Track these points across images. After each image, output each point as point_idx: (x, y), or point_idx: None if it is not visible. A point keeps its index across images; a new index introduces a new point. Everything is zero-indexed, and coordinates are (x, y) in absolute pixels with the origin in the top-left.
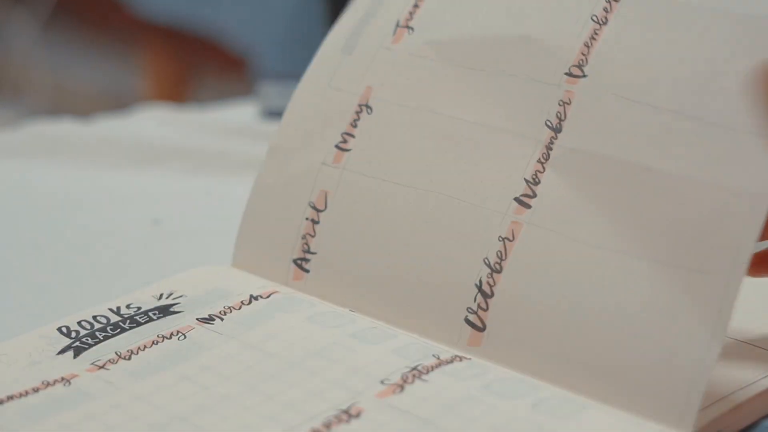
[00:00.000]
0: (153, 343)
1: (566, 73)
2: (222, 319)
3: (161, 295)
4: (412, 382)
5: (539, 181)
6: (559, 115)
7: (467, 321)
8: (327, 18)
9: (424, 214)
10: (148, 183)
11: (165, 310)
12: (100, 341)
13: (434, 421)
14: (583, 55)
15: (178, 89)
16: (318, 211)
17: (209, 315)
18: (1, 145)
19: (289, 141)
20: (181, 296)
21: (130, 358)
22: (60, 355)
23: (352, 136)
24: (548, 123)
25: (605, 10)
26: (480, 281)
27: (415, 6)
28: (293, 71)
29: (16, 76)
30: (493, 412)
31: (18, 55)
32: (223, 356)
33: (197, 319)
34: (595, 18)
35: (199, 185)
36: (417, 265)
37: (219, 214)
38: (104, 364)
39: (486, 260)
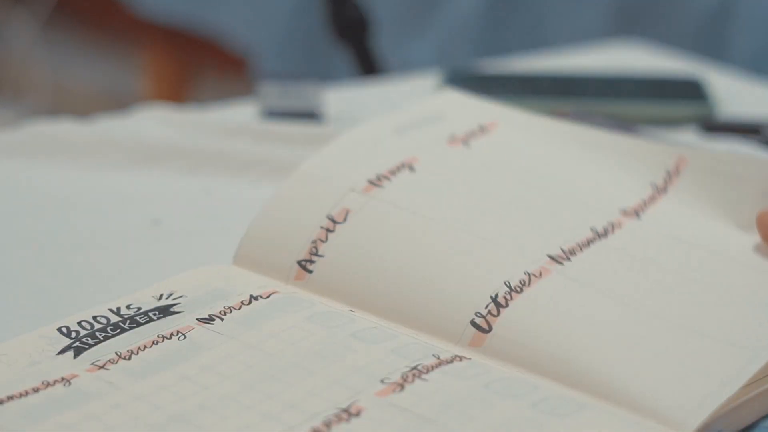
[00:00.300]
0: (153, 343)
1: (621, 210)
2: (222, 319)
3: (161, 296)
4: (412, 381)
5: (575, 253)
6: (606, 227)
7: (473, 323)
8: (326, 18)
9: (448, 241)
10: (148, 183)
11: (165, 311)
12: (100, 341)
13: (434, 419)
14: (640, 206)
15: (178, 89)
16: (335, 222)
17: (209, 315)
18: (1, 145)
19: (320, 170)
20: (181, 296)
21: (130, 358)
22: (60, 355)
23: (389, 179)
24: (593, 228)
25: (665, 181)
26: (496, 294)
27: (481, 130)
28: (293, 71)
29: (16, 76)
30: (493, 411)
31: (18, 55)
32: (223, 356)
33: (197, 319)
34: (654, 185)
35: (199, 185)
36: (430, 273)
37: (219, 214)
38: (104, 364)
39: (507, 282)
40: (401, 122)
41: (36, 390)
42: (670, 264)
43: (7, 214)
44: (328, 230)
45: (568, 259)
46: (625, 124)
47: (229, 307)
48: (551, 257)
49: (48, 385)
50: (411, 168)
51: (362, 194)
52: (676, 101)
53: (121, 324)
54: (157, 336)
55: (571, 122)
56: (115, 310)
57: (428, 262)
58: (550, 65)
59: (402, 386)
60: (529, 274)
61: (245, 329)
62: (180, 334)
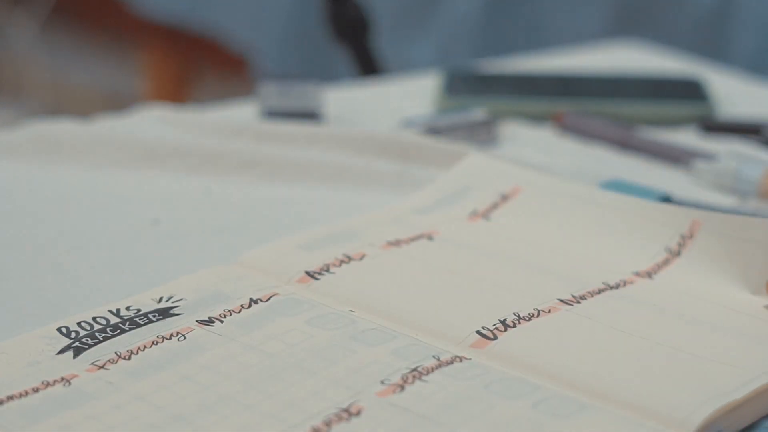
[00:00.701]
0: (153, 343)
1: (634, 272)
2: (222, 322)
3: (161, 299)
4: (412, 382)
5: (585, 299)
6: (617, 283)
7: (478, 332)
8: (326, 18)
9: (461, 281)
10: (148, 183)
11: (165, 313)
12: (100, 342)
13: (434, 418)
14: (653, 269)
15: (178, 89)
16: (351, 258)
17: (209, 318)
18: (1, 145)
19: (344, 228)
20: (180, 299)
21: (129, 358)
22: (60, 355)
23: (407, 244)
24: (605, 282)
25: (679, 245)
26: (505, 318)
27: (503, 199)
28: (293, 71)
29: (16, 76)
30: (494, 411)
31: (18, 55)
32: (223, 356)
33: (197, 321)
34: (668, 249)
35: (199, 185)
36: (441, 296)
37: (219, 214)
38: (104, 364)
39: (516, 313)
40: (425, 202)
41: (36, 390)
42: (678, 309)
43: (7, 214)
44: (343, 261)
45: (578, 302)
46: (625, 124)
47: (229, 310)
48: (561, 300)
49: (48, 385)
50: (430, 237)
51: (380, 248)
52: (676, 101)
53: (120, 325)
54: (157, 336)
55: (591, 189)
56: (114, 311)
57: (439, 290)
58: (550, 65)
59: (402, 387)
60: (538, 310)
61: (245, 331)
62: (180, 335)
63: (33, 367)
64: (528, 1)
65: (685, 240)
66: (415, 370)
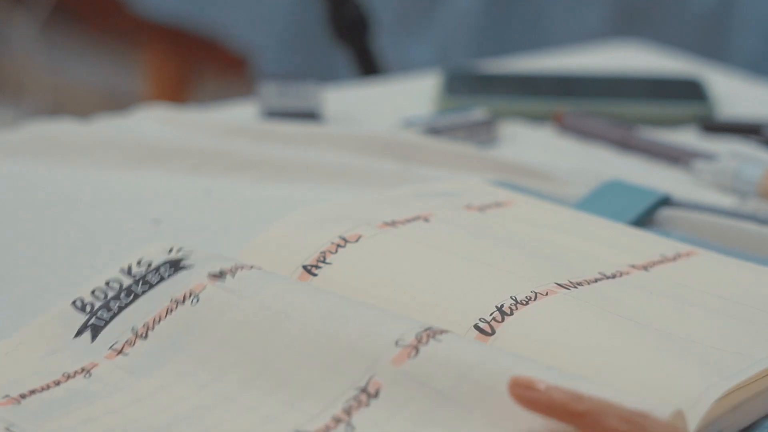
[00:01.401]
0: (167, 311)
1: (630, 265)
2: (233, 276)
3: (171, 249)
4: (427, 342)
5: (582, 285)
6: (614, 273)
7: (476, 327)
8: (326, 18)
9: (457, 263)
10: (148, 183)
11: (176, 265)
12: (115, 314)
13: (450, 394)
14: (649, 264)
15: (178, 89)
16: (347, 241)
17: (220, 270)
18: (1, 145)
19: (340, 208)
20: (191, 251)
21: (146, 336)
22: (77, 339)
23: (403, 225)
24: (602, 272)
25: (674, 256)
26: (502, 305)
27: (497, 204)
28: (293, 71)
29: (16, 76)
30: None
31: (18, 55)
32: (238, 322)
33: (209, 274)
34: (663, 256)
35: (199, 185)
36: (437, 283)
37: (219, 214)
38: (122, 347)
39: (513, 297)
40: (422, 191)
41: (57, 383)
42: (676, 297)
43: (7, 214)
44: (339, 246)
45: (575, 287)
46: (625, 124)
47: (240, 266)
48: (559, 284)
49: (69, 377)
50: (426, 220)
51: (376, 228)
52: (676, 101)
53: (133, 288)
54: (171, 301)
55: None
56: (126, 269)
57: (436, 276)
58: (550, 65)
59: (417, 349)
60: (535, 293)
61: (257, 288)
62: (193, 296)
63: (52, 356)
64: (528, 0)
65: (680, 255)
66: (429, 329)
